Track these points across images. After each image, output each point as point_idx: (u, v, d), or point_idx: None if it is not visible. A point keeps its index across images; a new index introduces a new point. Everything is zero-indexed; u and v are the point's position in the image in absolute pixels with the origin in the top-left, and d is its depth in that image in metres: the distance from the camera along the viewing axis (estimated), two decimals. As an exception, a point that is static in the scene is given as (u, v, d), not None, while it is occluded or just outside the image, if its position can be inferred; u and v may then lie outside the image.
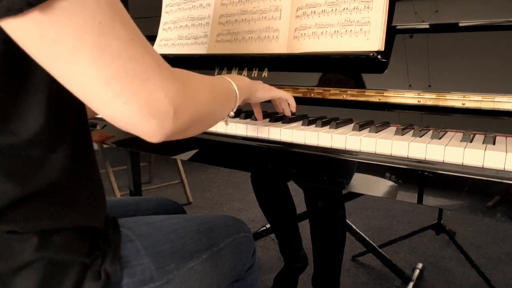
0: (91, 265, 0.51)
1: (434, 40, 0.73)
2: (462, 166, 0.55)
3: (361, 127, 0.69)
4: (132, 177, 1.54)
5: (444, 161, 0.56)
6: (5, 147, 0.45)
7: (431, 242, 1.90)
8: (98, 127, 0.99)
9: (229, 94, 0.61)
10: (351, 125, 0.73)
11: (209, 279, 0.67)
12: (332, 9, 0.81)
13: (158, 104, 0.42)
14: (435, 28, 0.73)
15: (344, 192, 1.32)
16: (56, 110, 0.48)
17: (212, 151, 0.80)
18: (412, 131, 0.66)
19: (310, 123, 0.74)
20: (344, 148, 0.64)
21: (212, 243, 0.69)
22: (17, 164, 0.46)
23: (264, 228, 1.89)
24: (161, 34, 1.14)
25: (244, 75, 0.95)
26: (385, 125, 0.72)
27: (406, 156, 0.59)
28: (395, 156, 0.60)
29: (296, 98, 0.85)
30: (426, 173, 0.56)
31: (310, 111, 0.84)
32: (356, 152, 0.63)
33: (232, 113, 0.64)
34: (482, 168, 0.53)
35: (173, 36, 1.10)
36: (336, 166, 0.64)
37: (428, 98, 0.71)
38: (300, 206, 1.40)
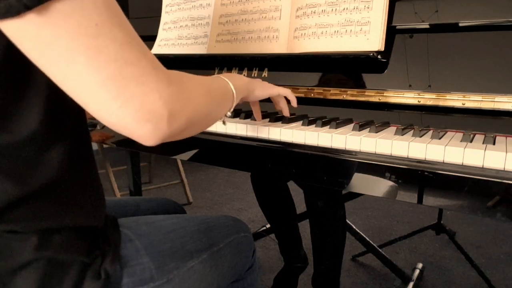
0: (91, 264, 0.51)
1: (434, 40, 0.73)
2: (462, 166, 0.55)
3: (361, 127, 0.69)
4: (132, 177, 1.54)
5: (444, 161, 0.56)
6: (4, 146, 0.45)
7: (431, 242, 1.90)
8: (98, 127, 0.99)
9: (225, 94, 0.61)
10: (351, 125, 0.73)
11: (208, 279, 0.67)
12: (332, 9, 0.81)
13: (153, 107, 0.42)
14: (435, 28, 0.73)
15: (344, 192, 1.32)
16: (55, 110, 0.48)
17: (212, 151, 0.80)
18: (412, 131, 0.66)
19: (310, 123, 0.74)
20: (344, 148, 0.64)
21: (212, 243, 0.69)
22: (16, 163, 0.46)
23: (264, 228, 1.89)
24: (161, 34, 1.14)
25: (244, 75, 0.95)
26: (385, 125, 0.72)
27: (406, 156, 0.59)
28: (395, 156, 0.60)
29: (296, 98, 0.85)
30: (426, 173, 0.56)
31: (310, 111, 0.84)
32: (356, 152, 0.63)
33: (229, 113, 0.64)
34: (482, 168, 0.53)
35: (173, 36, 1.10)
36: (336, 166, 0.64)
37: (428, 98, 0.71)
38: (300, 206, 1.40)
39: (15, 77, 0.44)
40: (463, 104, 0.68)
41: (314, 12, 0.84)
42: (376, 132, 0.67)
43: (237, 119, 0.82)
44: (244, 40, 0.95)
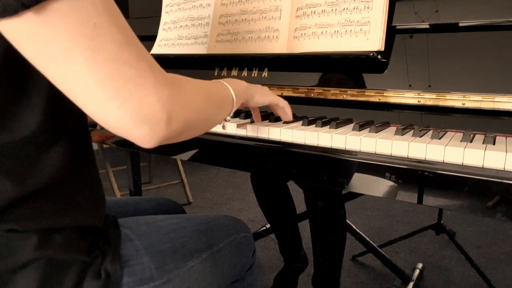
0: (91, 264, 0.52)
1: (434, 40, 0.73)
2: (462, 166, 0.55)
3: (361, 127, 0.69)
4: (132, 177, 1.54)
5: (444, 161, 0.56)
6: (4, 146, 0.45)
7: (431, 242, 1.90)
8: (98, 127, 0.99)
9: (225, 98, 0.61)
10: (351, 125, 0.73)
11: (208, 279, 0.67)
12: (332, 9, 0.81)
13: (151, 109, 0.42)
14: (435, 28, 0.73)
15: (344, 192, 1.32)
16: (55, 110, 0.48)
17: (212, 151, 0.80)
18: (412, 131, 0.66)
19: (310, 123, 0.74)
20: (344, 148, 0.64)
21: (212, 243, 0.69)
22: (16, 163, 0.46)
23: (264, 228, 1.89)
24: (161, 34, 1.14)
25: (244, 75, 0.95)
26: (385, 125, 0.72)
27: (406, 156, 0.59)
28: (395, 156, 0.60)
29: (296, 98, 0.85)
30: (426, 173, 0.56)
31: (310, 111, 0.84)
32: (356, 152, 0.63)
33: (228, 117, 0.64)
34: (482, 168, 0.53)
35: (173, 36, 1.10)
36: (336, 166, 0.64)
37: (428, 98, 0.71)
38: (300, 206, 1.40)
39: (15, 77, 0.44)
40: (463, 104, 0.68)
41: (314, 12, 0.84)
42: (376, 132, 0.67)
43: (237, 119, 0.82)
44: (244, 40, 0.95)
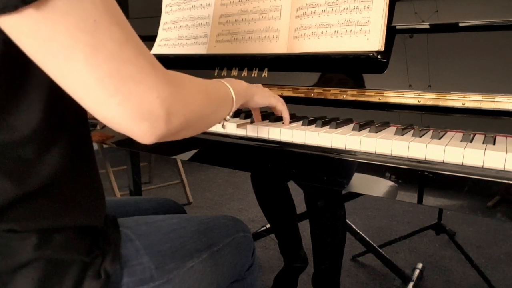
0: (91, 264, 0.51)
1: (434, 40, 0.73)
2: (462, 166, 0.55)
3: (361, 127, 0.69)
4: (132, 177, 1.54)
5: (444, 161, 0.56)
6: (4, 145, 0.45)
7: (431, 242, 1.90)
8: (98, 127, 0.99)
9: (225, 98, 0.61)
10: (351, 125, 0.73)
11: (208, 279, 0.67)
12: (332, 9, 0.81)
13: (151, 106, 0.42)
14: (435, 28, 0.73)
15: (344, 192, 1.32)
16: (56, 108, 0.48)
17: (212, 151, 0.80)
18: (412, 131, 0.66)
19: (310, 123, 0.74)
20: (344, 148, 0.64)
21: (212, 243, 0.69)
22: (16, 162, 0.46)
23: (264, 228, 1.89)
24: (161, 34, 1.14)
25: (244, 75, 0.95)
26: (385, 125, 0.72)
27: (406, 156, 0.59)
28: (395, 156, 0.60)
29: (296, 98, 0.85)
30: (426, 173, 0.56)
31: (310, 111, 0.84)
32: (356, 152, 0.63)
33: (228, 117, 0.64)
34: (482, 168, 0.53)
35: (173, 36, 1.10)
36: (336, 166, 0.64)
37: (428, 98, 0.71)
38: (300, 206, 1.40)
39: (15, 74, 0.44)
40: (463, 104, 0.68)
41: (314, 12, 0.84)
42: (376, 132, 0.67)
43: (237, 119, 0.82)
44: (244, 40, 0.95)
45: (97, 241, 0.54)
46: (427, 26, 0.73)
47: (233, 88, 0.62)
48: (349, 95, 0.80)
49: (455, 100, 0.69)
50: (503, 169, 0.52)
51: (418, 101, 0.72)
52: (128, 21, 0.43)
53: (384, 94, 0.75)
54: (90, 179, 0.55)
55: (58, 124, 0.49)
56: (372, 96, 0.77)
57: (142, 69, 0.42)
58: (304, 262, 1.46)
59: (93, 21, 0.39)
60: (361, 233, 1.63)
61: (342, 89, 0.80)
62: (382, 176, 0.59)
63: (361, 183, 0.62)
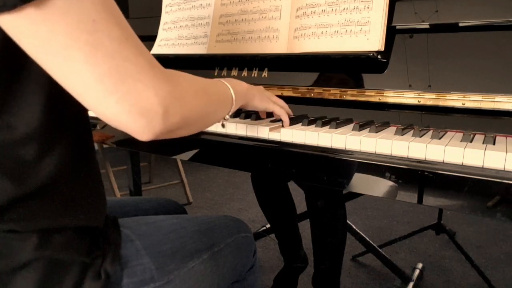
0: (91, 264, 0.51)
1: (434, 40, 0.73)
2: (462, 166, 0.55)
3: (361, 127, 0.69)
4: (132, 177, 1.54)
5: (444, 161, 0.56)
6: (3, 144, 0.45)
7: (431, 242, 1.90)
8: (98, 127, 0.99)
9: (224, 97, 0.61)
10: (351, 125, 0.73)
11: (209, 280, 0.67)
12: (332, 9, 0.81)
13: (149, 103, 0.43)
14: (435, 28, 0.73)
15: (344, 192, 1.32)
16: (55, 107, 0.48)
17: (212, 151, 0.80)
18: (412, 131, 0.66)
19: (310, 123, 0.74)
20: (344, 148, 0.64)
21: (213, 243, 0.69)
22: (15, 162, 0.46)
23: (264, 228, 1.89)
24: (161, 34, 1.14)
25: (244, 75, 0.95)
26: (385, 125, 0.72)
27: (406, 156, 0.59)
28: (395, 156, 0.60)
29: (296, 98, 0.85)
30: (426, 173, 0.56)
31: (310, 111, 0.84)
32: (356, 152, 0.63)
33: (227, 116, 0.64)
34: (482, 168, 0.53)
35: (173, 36, 1.10)
36: (336, 166, 0.64)
37: (428, 98, 0.71)
38: (300, 206, 1.40)
39: (13, 73, 0.44)
40: (463, 104, 0.68)
41: (314, 12, 0.84)
42: (376, 132, 0.67)
43: (237, 119, 0.82)
44: (244, 40, 0.95)
45: (97, 241, 0.54)
46: (427, 26, 0.73)
47: (233, 88, 0.63)
48: (349, 95, 0.80)
49: (455, 100, 0.69)
50: (503, 169, 0.52)
51: (418, 101, 0.72)
52: (126, 21, 0.43)
53: (384, 94, 0.75)
54: (90, 179, 0.55)
55: (59, 123, 0.49)
56: (372, 96, 0.77)
57: (141, 68, 0.42)
58: (304, 262, 1.46)
59: (92, 21, 0.39)
60: (361, 233, 1.63)
61: (342, 89, 0.80)
62: (382, 176, 0.59)
63: (361, 183, 0.62)
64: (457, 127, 0.69)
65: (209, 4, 1.04)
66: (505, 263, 1.73)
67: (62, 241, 0.49)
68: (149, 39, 1.14)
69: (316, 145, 0.67)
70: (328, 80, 0.84)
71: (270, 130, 0.72)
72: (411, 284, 1.53)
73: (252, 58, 0.94)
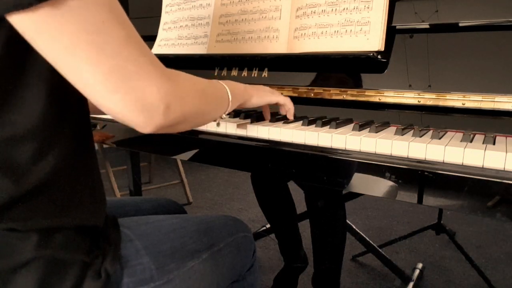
0: (91, 264, 0.52)
1: (434, 40, 0.73)
2: (462, 166, 0.55)
3: (361, 127, 0.69)
4: (132, 177, 1.54)
5: (444, 161, 0.56)
6: (4, 141, 0.45)
7: (431, 242, 1.90)
8: (98, 127, 0.99)
9: (221, 97, 0.64)
10: (351, 125, 0.73)
11: (209, 279, 0.67)
12: (332, 9, 0.81)
13: (151, 99, 0.45)
14: (435, 28, 0.73)
15: (344, 192, 1.32)
16: (56, 106, 0.48)
17: (212, 151, 0.80)
18: (412, 131, 0.66)
19: (310, 123, 0.74)
20: (344, 148, 0.64)
21: (212, 243, 0.69)
22: (15, 160, 0.46)
23: (264, 228, 1.89)
24: (161, 34, 1.14)
25: (244, 75, 0.95)
26: (385, 125, 0.72)
27: (406, 156, 0.59)
28: (395, 156, 0.60)
29: (296, 98, 0.85)
30: (426, 173, 0.56)
31: (310, 111, 0.84)
32: (356, 152, 0.63)
33: (224, 116, 0.67)
34: (482, 168, 0.53)
35: (173, 36, 1.10)
36: (336, 166, 0.64)
37: (428, 98, 0.71)
38: (300, 206, 1.40)
39: (15, 68, 0.45)
40: (463, 104, 0.68)
41: (314, 12, 0.84)
42: (376, 132, 0.67)
43: (237, 119, 0.82)
44: (244, 40, 0.95)
45: (97, 241, 0.54)
46: (427, 26, 0.73)
47: (229, 89, 0.65)
48: (349, 95, 0.80)
49: (455, 100, 0.69)
50: (503, 169, 0.52)
51: (418, 101, 0.72)
52: (129, 20, 0.45)
53: (384, 94, 0.76)
54: (90, 179, 0.55)
55: (59, 122, 0.49)
56: (372, 96, 0.77)
57: (144, 66, 0.45)
58: (304, 262, 1.46)
59: (101, 22, 0.42)
60: (361, 233, 1.63)
61: (342, 89, 0.80)
62: (382, 176, 0.59)
63: (361, 183, 0.62)
64: (457, 127, 0.69)
65: (209, 4, 1.04)
66: (505, 263, 1.73)
67: (62, 240, 0.50)
68: (149, 39, 1.14)
69: (316, 145, 0.67)
70: (328, 80, 0.84)
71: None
72: (411, 284, 1.53)
73: (252, 58, 0.94)
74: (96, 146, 2.29)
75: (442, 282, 1.59)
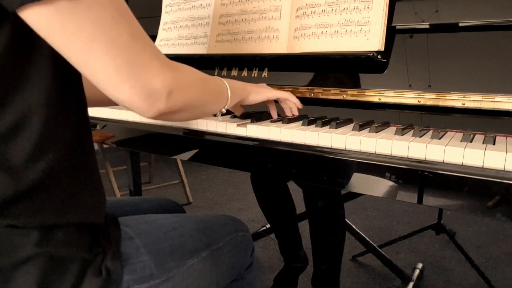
0: (92, 261, 0.52)
1: (434, 40, 0.73)
2: (462, 166, 0.55)
3: (361, 127, 0.69)
4: (132, 177, 1.54)
5: (444, 161, 0.56)
6: (4, 138, 0.46)
7: (431, 242, 1.90)
8: (98, 127, 0.99)
9: (221, 91, 0.67)
10: (351, 125, 0.73)
11: (208, 278, 0.67)
12: (332, 9, 0.81)
13: (156, 87, 0.49)
14: (435, 28, 0.73)
15: (344, 192, 1.32)
16: (56, 103, 0.49)
17: (212, 151, 0.80)
18: (412, 131, 0.66)
19: (310, 123, 0.74)
20: (344, 148, 0.64)
21: (211, 242, 0.69)
22: (15, 157, 0.46)
23: (264, 228, 1.89)
24: (161, 34, 1.14)
25: (244, 75, 0.95)
26: (385, 125, 0.72)
27: (406, 156, 0.59)
28: (395, 156, 0.60)
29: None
30: (426, 173, 0.56)
31: (310, 111, 0.84)
32: (356, 152, 0.63)
33: (224, 110, 0.70)
34: (482, 168, 0.53)
35: (173, 36, 1.10)
36: (336, 166, 0.64)
37: (428, 98, 0.71)
38: (300, 206, 1.40)
39: (16, 70, 0.45)
40: (463, 104, 0.68)
41: (314, 12, 0.84)
42: (376, 132, 0.67)
43: (237, 119, 0.82)
44: (244, 40, 0.95)
45: (97, 238, 0.54)
46: (427, 26, 0.73)
47: (229, 85, 0.68)
48: (349, 95, 0.80)
49: (455, 100, 0.69)
50: (503, 169, 0.52)
51: (418, 101, 0.72)
52: (134, 16, 0.49)
53: (384, 94, 0.76)
54: (90, 176, 0.55)
55: (58, 119, 0.50)
56: (372, 96, 0.77)
57: (149, 58, 0.49)
58: (304, 262, 1.46)
59: (112, 17, 0.45)
60: (361, 233, 1.63)
61: (342, 89, 0.80)
62: (382, 176, 0.59)
63: (361, 183, 0.62)
64: (457, 127, 0.69)
65: (209, 4, 1.04)
66: (505, 263, 1.73)
67: (62, 237, 0.50)
68: (149, 39, 1.14)
69: (316, 145, 0.67)
70: (328, 80, 0.84)
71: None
72: (411, 284, 1.53)
73: (252, 58, 0.94)
74: (96, 146, 2.30)
75: (442, 282, 1.59)
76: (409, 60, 0.74)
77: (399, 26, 0.76)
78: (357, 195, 1.67)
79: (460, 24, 0.70)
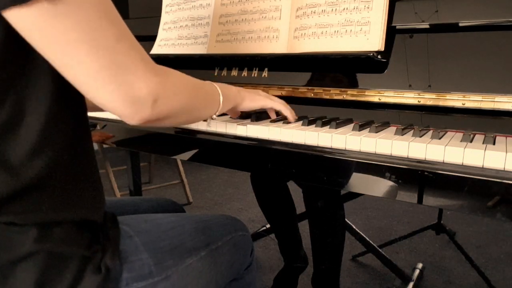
0: (91, 258, 0.52)
1: (434, 40, 0.73)
2: (462, 166, 0.55)
3: (361, 127, 0.69)
4: (132, 177, 1.54)
5: (444, 161, 0.56)
6: (4, 136, 0.46)
7: (431, 242, 1.90)
8: (98, 127, 0.99)
9: (212, 97, 0.66)
10: (351, 125, 0.73)
11: (207, 277, 0.67)
12: (332, 9, 0.81)
13: (139, 93, 0.47)
14: (435, 28, 0.73)
15: (344, 192, 1.32)
16: (55, 101, 0.49)
17: (212, 151, 0.80)
18: (412, 131, 0.66)
19: (310, 123, 0.74)
20: (344, 148, 0.64)
21: (210, 241, 0.69)
22: (14, 154, 0.46)
23: (264, 228, 1.89)
24: (161, 34, 1.14)
25: (244, 75, 0.95)
26: (385, 125, 0.72)
27: (406, 156, 0.59)
28: (395, 156, 0.60)
29: (296, 98, 0.85)
30: (426, 173, 0.56)
31: (310, 111, 0.84)
32: (356, 152, 0.63)
33: (214, 116, 0.68)
34: (482, 168, 0.53)
35: (173, 36, 1.10)
36: (336, 166, 0.64)
37: (428, 98, 0.71)
38: (300, 206, 1.40)
39: (17, 68, 0.46)
40: (463, 104, 0.68)
41: (314, 12, 0.84)
42: (376, 132, 0.67)
43: (237, 119, 0.82)
44: (244, 40, 0.95)
45: (97, 236, 0.54)
46: (427, 26, 0.73)
47: (221, 91, 0.67)
48: (349, 95, 0.80)
49: (455, 100, 0.69)
50: (503, 169, 0.52)
51: (418, 101, 0.72)
52: (122, 19, 0.47)
53: (384, 94, 0.75)
54: (89, 173, 0.55)
55: (58, 118, 0.50)
56: (372, 96, 0.77)
57: (134, 62, 0.47)
58: (304, 262, 1.46)
59: (97, 18, 0.43)
60: (361, 233, 1.63)
61: (342, 89, 0.80)
62: (382, 176, 0.59)
63: (361, 183, 0.62)
64: (457, 127, 0.69)
65: (209, 4, 1.04)
66: (505, 263, 1.73)
67: (62, 235, 0.50)
68: (149, 39, 1.14)
69: (316, 145, 0.67)
70: (328, 80, 0.84)
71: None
72: (411, 284, 1.53)
73: (252, 58, 0.94)
74: (96, 146, 2.30)
75: (442, 282, 1.59)
76: (409, 60, 0.74)
77: (399, 26, 0.76)
78: (357, 195, 1.67)
79: (460, 24, 0.70)
